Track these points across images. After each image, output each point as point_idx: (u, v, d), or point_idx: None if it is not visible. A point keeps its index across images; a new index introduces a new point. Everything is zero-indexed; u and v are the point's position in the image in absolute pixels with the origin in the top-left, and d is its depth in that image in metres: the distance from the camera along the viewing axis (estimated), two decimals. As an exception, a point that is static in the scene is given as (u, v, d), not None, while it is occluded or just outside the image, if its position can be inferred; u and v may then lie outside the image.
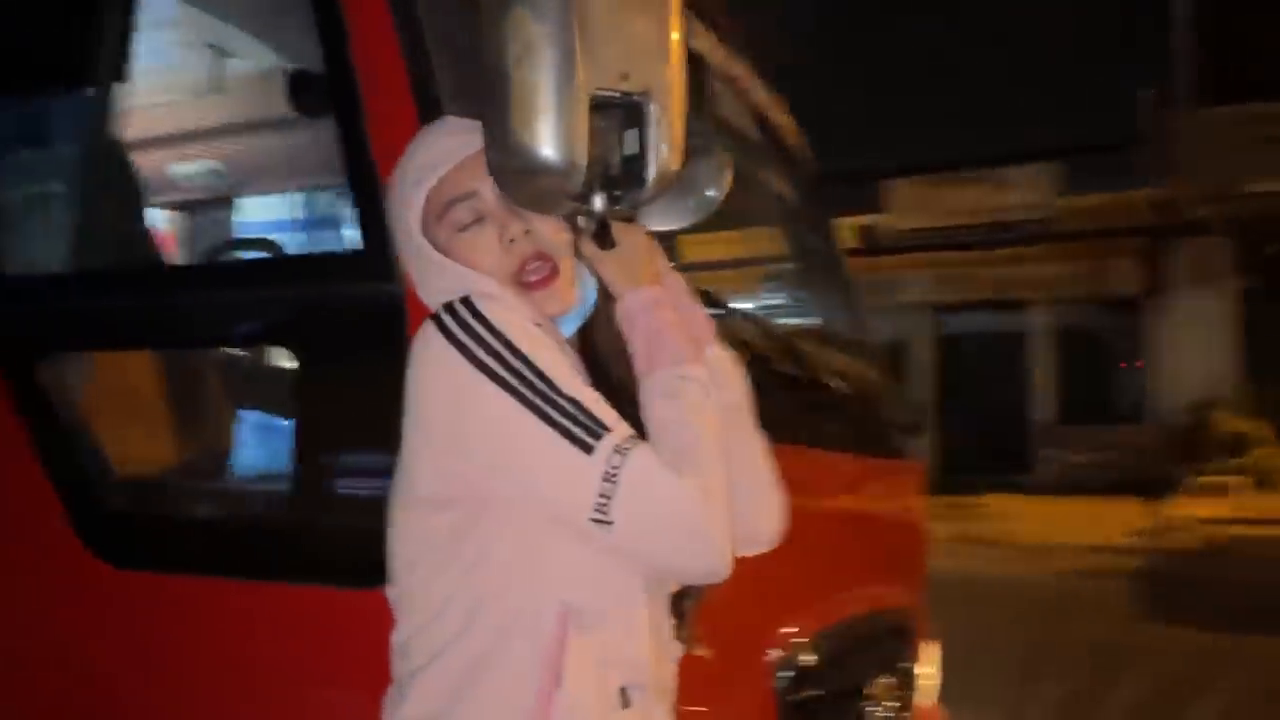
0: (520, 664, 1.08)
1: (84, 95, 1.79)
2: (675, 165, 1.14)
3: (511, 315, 1.10)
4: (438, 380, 1.08)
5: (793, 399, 2.04)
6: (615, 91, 1.09)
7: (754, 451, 1.30)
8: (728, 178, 1.39)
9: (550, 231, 1.17)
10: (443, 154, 1.17)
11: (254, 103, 2.67)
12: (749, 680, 1.75)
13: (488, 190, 1.16)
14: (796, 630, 1.86)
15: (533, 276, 1.15)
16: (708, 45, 2.41)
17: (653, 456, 1.08)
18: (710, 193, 1.39)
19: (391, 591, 1.15)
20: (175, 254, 3.33)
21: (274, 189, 2.98)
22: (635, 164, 1.12)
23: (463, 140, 1.17)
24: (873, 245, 15.37)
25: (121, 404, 1.75)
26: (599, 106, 1.09)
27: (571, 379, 1.09)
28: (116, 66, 1.75)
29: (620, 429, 1.08)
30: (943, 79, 17.24)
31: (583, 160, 1.06)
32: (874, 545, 2.38)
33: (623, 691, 1.11)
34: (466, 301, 1.09)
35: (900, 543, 2.64)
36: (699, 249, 3.61)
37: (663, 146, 1.12)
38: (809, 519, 2.05)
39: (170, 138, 3.35)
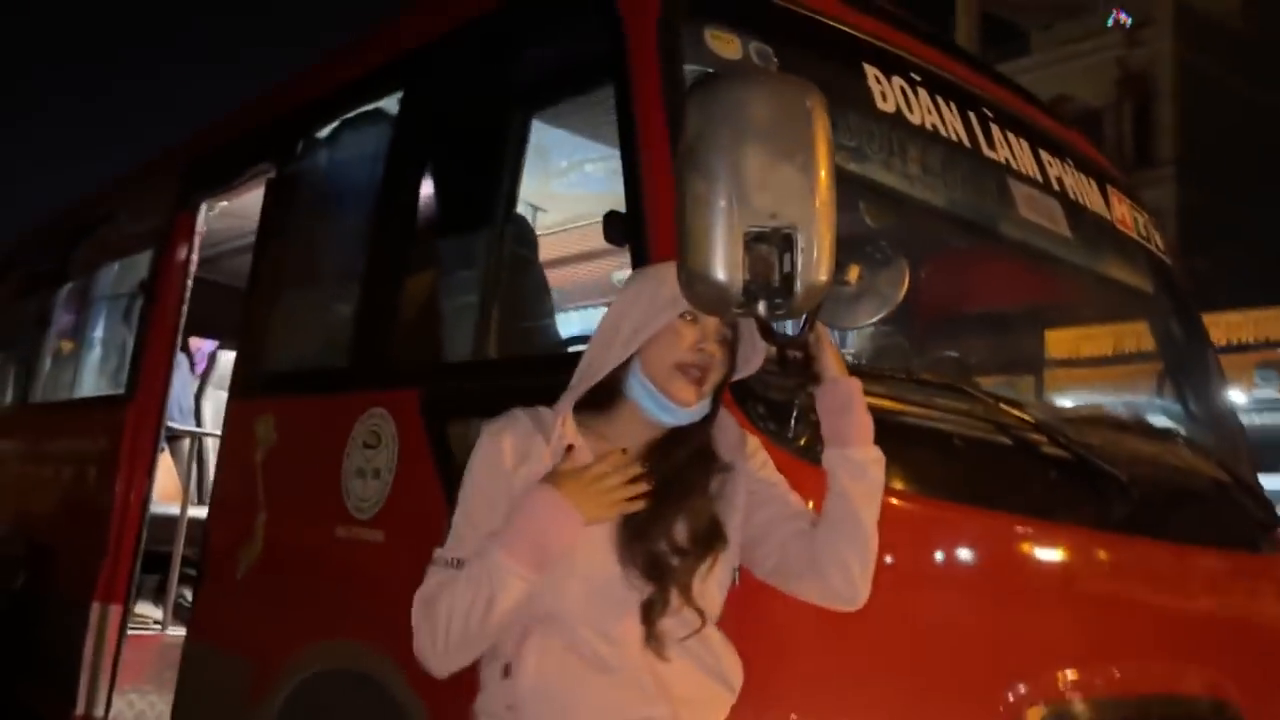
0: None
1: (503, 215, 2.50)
2: (822, 279, 1.49)
3: (490, 443, 1.64)
4: None
5: (1106, 484, 2.20)
6: (767, 227, 1.47)
7: (866, 527, 1.62)
8: (904, 283, 1.69)
9: (720, 367, 1.62)
10: None
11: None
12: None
13: (713, 321, 1.62)
14: (1034, 690, 2.00)
15: (691, 372, 1.60)
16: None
17: (432, 579, 1.57)
18: (889, 294, 1.70)
19: None
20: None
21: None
22: (789, 280, 1.49)
23: None
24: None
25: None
26: (758, 239, 1.48)
27: (477, 503, 1.61)
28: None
29: (449, 551, 1.59)
30: None
31: (738, 279, 1.46)
32: (1182, 631, 2.38)
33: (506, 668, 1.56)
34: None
35: (1235, 634, 2.55)
36: (1058, 346, 3.71)
37: (809, 267, 1.48)
38: (1100, 600, 2.19)
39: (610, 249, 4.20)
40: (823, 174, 1.49)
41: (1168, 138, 21.63)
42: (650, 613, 1.53)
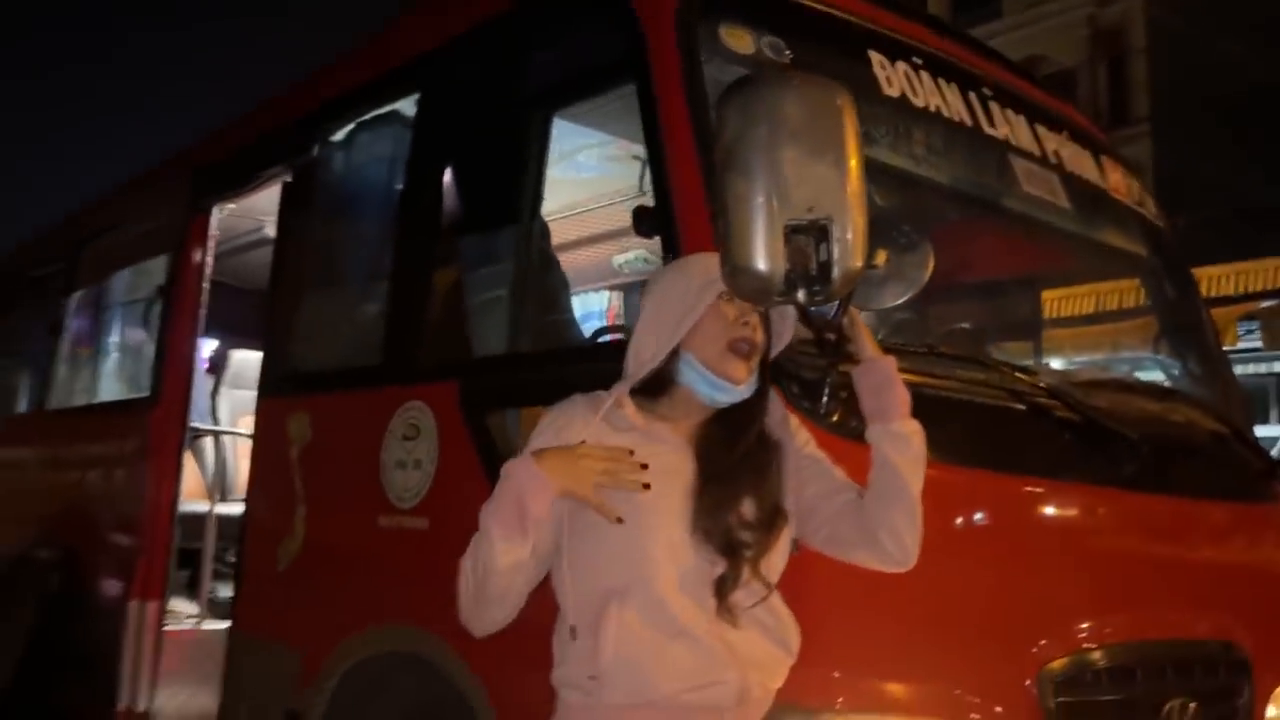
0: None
1: (530, 213, 2.59)
2: (857, 265, 1.60)
3: (549, 428, 1.73)
4: None
5: (1117, 444, 2.32)
6: (805, 220, 1.58)
7: (913, 495, 1.75)
8: (929, 265, 1.81)
9: (761, 342, 1.72)
10: None
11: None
12: (1007, 676, 2.06)
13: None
14: (1057, 639, 2.13)
15: (740, 347, 1.70)
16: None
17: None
18: (915, 276, 1.81)
19: None
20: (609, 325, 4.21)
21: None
22: (826, 268, 1.60)
23: None
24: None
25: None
26: (796, 230, 1.59)
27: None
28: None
29: None
30: None
31: (780, 269, 1.57)
32: (1192, 579, 2.51)
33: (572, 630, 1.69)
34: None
35: (1241, 580, 2.69)
36: (1053, 306, 3.84)
37: (844, 255, 1.59)
38: (1101, 552, 2.32)
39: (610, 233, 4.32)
40: (853, 167, 1.60)
41: (1142, 95, 21.75)
42: (723, 587, 1.64)
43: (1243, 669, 2.52)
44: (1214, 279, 14.05)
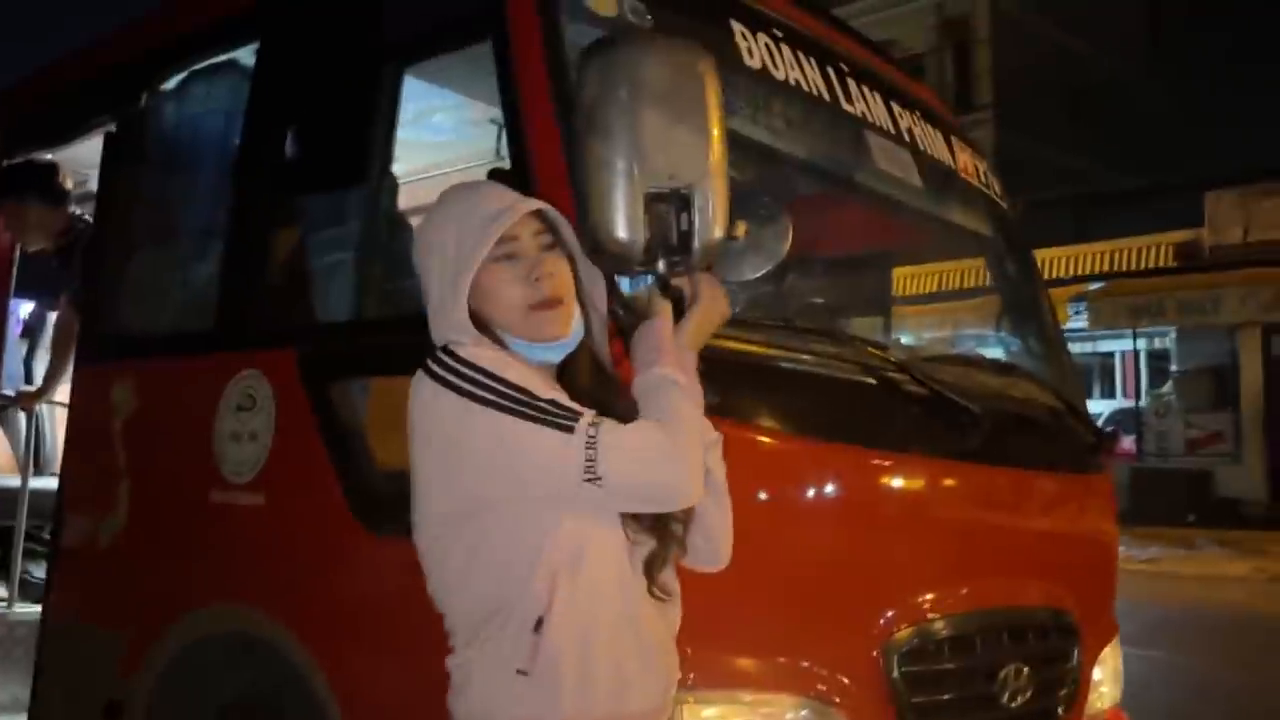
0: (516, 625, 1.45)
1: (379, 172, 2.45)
2: (718, 236, 1.56)
3: (483, 351, 1.46)
4: (435, 416, 1.45)
5: (961, 417, 2.36)
6: (666, 187, 1.53)
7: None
8: (788, 238, 1.79)
9: (567, 282, 1.54)
10: (509, 204, 1.53)
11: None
12: (854, 649, 2.09)
13: (527, 236, 1.53)
14: (901, 611, 2.17)
15: (546, 304, 1.51)
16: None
17: (619, 425, 1.43)
18: (774, 249, 1.79)
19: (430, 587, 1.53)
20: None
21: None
22: (687, 237, 1.55)
23: (517, 198, 1.56)
24: (1193, 262, 14.41)
25: (383, 416, 2.38)
26: (657, 199, 1.53)
27: (542, 387, 1.44)
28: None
29: (588, 413, 1.43)
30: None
31: (640, 238, 1.52)
32: (1026, 548, 2.60)
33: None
34: (445, 350, 1.46)
35: (1070, 549, 2.80)
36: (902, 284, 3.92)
37: (705, 225, 1.54)
38: (933, 521, 2.37)
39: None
40: (715, 135, 1.56)
41: (986, 82, 22.61)
42: (653, 567, 1.55)
43: (1072, 634, 2.64)
44: (1048, 261, 14.79)
